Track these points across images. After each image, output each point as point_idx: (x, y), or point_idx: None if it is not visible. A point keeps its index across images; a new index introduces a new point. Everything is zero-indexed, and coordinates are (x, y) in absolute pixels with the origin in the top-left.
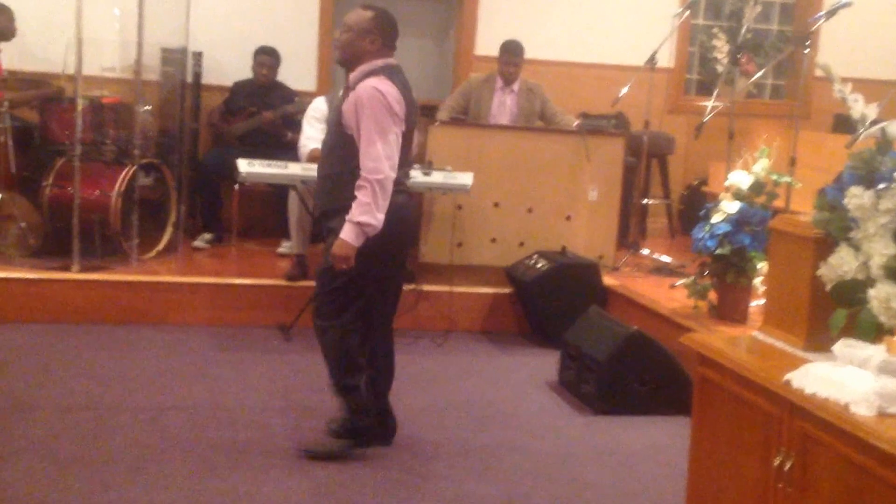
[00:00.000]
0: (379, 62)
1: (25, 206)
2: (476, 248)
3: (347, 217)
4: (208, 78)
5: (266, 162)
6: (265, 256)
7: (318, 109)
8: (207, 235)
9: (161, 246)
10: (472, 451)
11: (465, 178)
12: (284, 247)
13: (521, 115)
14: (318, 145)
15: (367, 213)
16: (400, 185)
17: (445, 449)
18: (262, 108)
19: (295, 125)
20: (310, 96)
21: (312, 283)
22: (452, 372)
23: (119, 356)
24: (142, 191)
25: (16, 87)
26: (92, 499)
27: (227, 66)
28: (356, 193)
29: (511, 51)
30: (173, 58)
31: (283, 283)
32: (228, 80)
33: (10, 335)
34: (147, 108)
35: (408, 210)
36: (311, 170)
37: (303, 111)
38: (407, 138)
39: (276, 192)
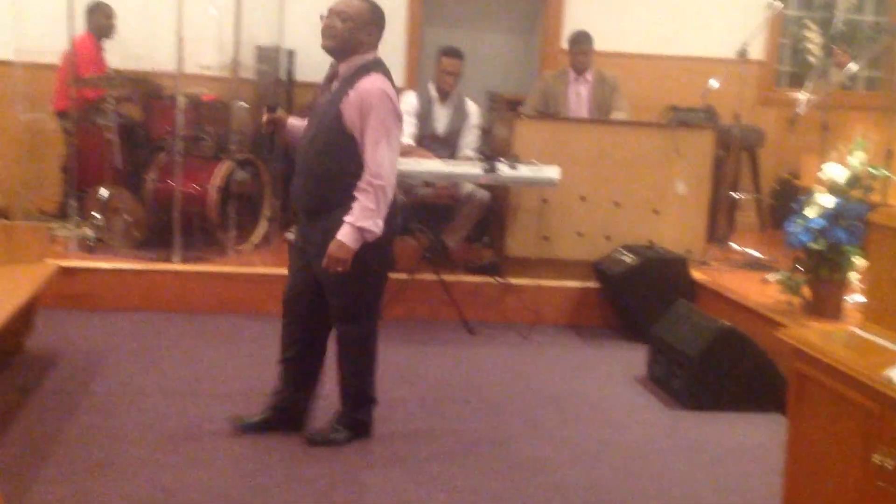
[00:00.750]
0: (370, 56)
1: (130, 200)
2: (562, 241)
3: (348, 220)
4: (301, 75)
5: None
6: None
7: (408, 103)
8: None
9: (255, 238)
10: (558, 443)
11: (552, 172)
12: None
13: (595, 105)
14: (410, 140)
15: (369, 218)
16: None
17: (532, 440)
18: None
19: None
20: (399, 91)
21: (402, 276)
22: (539, 365)
23: (216, 344)
24: (238, 185)
25: (121, 84)
26: (192, 476)
27: (319, 64)
28: (358, 196)
29: (579, 40)
30: (268, 56)
31: None
32: (319, 77)
33: (116, 323)
34: (243, 105)
35: (398, 202)
36: (401, 164)
37: None
38: None
39: None
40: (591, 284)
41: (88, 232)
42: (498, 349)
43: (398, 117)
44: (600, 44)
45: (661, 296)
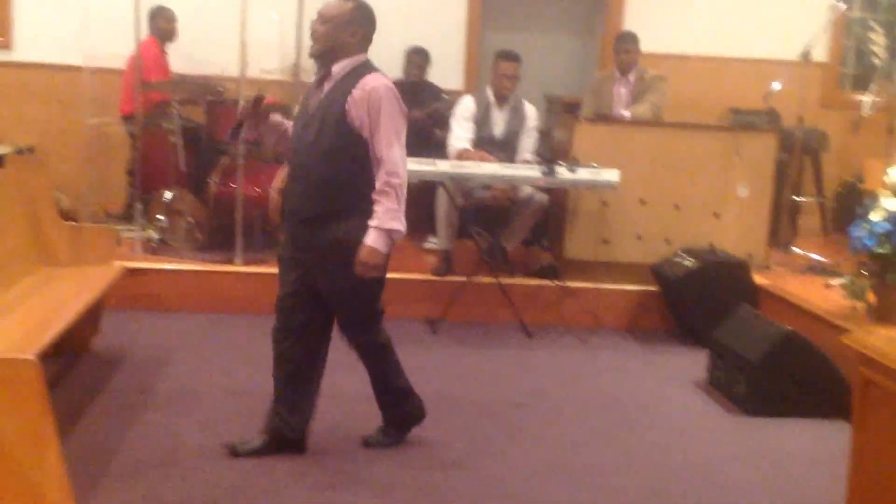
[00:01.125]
0: (363, 57)
1: (193, 203)
2: (621, 244)
3: (374, 224)
4: None
5: (415, 159)
6: (412, 251)
7: (466, 108)
8: None
9: None
10: (616, 447)
11: (611, 175)
12: (431, 242)
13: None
14: (467, 144)
15: (395, 218)
16: None
17: (590, 444)
18: (411, 108)
19: (443, 123)
20: (457, 95)
21: (461, 278)
22: (597, 368)
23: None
24: None
25: (184, 88)
26: (253, 476)
27: (379, 67)
28: (379, 199)
29: (623, 39)
30: None
31: (429, 277)
32: None
33: (179, 323)
34: None
35: None
36: (460, 167)
37: (450, 109)
38: None
39: (424, 189)
40: (651, 288)
41: (153, 234)
42: (556, 352)
43: (405, 116)
44: (660, 45)
45: (721, 300)
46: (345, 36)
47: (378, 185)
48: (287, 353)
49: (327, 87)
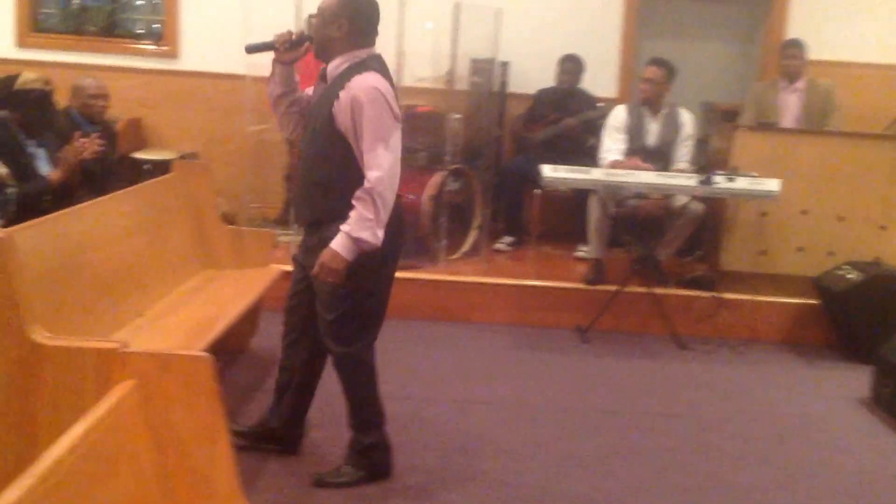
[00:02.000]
0: (362, 53)
1: None
2: (781, 256)
3: (344, 229)
4: (514, 86)
5: (569, 167)
6: (563, 260)
7: (618, 118)
8: (508, 238)
9: (465, 248)
10: (774, 464)
11: (772, 185)
12: (582, 250)
13: (806, 115)
14: (619, 156)
15: (367, 229)
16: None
17: (746, 461)
18: (564, 115)
19: (596, 131)
20: (611, 103)
21: (612, 288)
22: (753, 382)
23: (428, 350)
24: (449, 195)
25: None
26: (409, 477)
27: (532, 75)
28: (356, 204)
29: (788, 46)
30: (482, 68)
31: (581, 286)
32: (532, 89)
33: None
34: (457, 116)
35: (402, 213)
36: (614, 175)
37: (604, 117)
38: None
39: (575, 197)
40: (811, 301)
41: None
42: (710, 365)
43: (395, 116)
44: (824, 53)
45: (887, 315)
46: (331, 30)
47: (358, 190)
48: (286, 353)
49: (322, 87)
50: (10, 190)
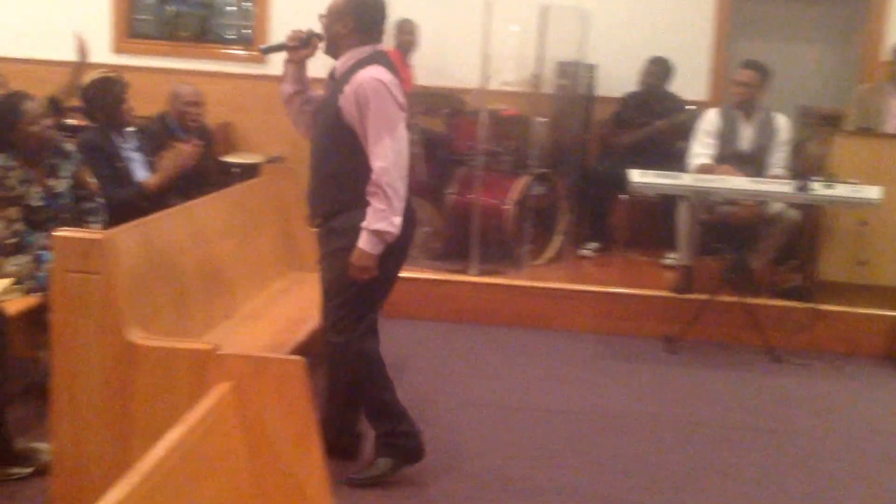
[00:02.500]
0: (367, 49)
1: (431, 212)
2: (883, 266)
3: (363, 225)
4: (601, 90)
5: (658, 172)
6: (650, 267)
7: (709, 122)
8: (593, 244)
9: (550, 253)
10: (877, 486)
11: (872, 192)
12: (670, 258)
13: None
14: (708, 160)
15: (382, 219)
16: None
17: (847, 480)
18: (652, 119)
19: (686, 135)
20: (701, 106)
21: (702, 297)
22: (852, 398)
23: (511, 356)
24: (534, 200)
25: (425, 100)
26: (495, 487)
27: (619, 78)
28: (370, 199)
29: None
30: (568, 71)
31: (668, 294)
32: (619, 92)
33: (415, 331)
34: (542, 120)
35: (412, 206)
36: (706, 180)
37: (694, 120)
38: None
39: (663, 203)
40: None
41: None
42: (806, 379)
43: (400, 106)
44: None
45: None
46: (338, 28)
47: (369, 185)
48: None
49: (332, 84)
50: (99, 199)
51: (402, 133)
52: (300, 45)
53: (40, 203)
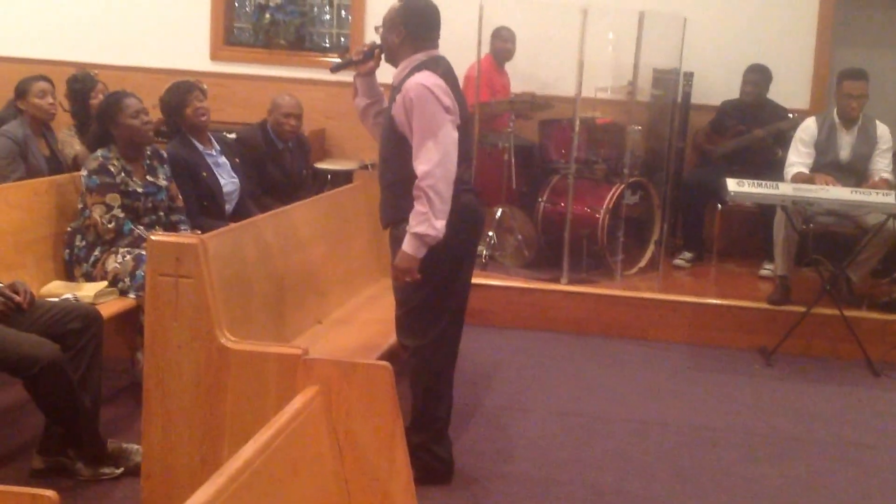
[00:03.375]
0: (420, 55)
1: (522, 220)
2: None
3: (407, 228)
4: (697, 98)
5: (755, 181)
6: (746, 278)
7: (807, 131)
8: (688, 254)
9: (643, 263)
10: None
11: None
12: (766, 269)
13: None
14: (804, 169)
15: (423, 222)
16: (464, 183)
17: None
18: (752, 127)
19: (786, 143)
20: (802, 114)
21: (799, 308)
22: None
23: (603, 366)
24: (627, 208)
25: (519, 108)
26: (586, 498)
27: (716, 86)
28: (415, 203)
29: None
30: (664, 78)
31: (765, 305)
32: (716, 100)
33: (506, 339)
34: (637, 127)
35: (476, 209)
36: (803, 190)
37: (795, 127)
38: (465, 132)
39: (760, 213)
40: None
41: (482, 249)
42: None
43: (445, 108)
44: None
45: None
46: (392, 37)
47: (413, 188)
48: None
49: (391, 93)
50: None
51: (448, 136)
52: (365, 59)
53: (141, 189)
